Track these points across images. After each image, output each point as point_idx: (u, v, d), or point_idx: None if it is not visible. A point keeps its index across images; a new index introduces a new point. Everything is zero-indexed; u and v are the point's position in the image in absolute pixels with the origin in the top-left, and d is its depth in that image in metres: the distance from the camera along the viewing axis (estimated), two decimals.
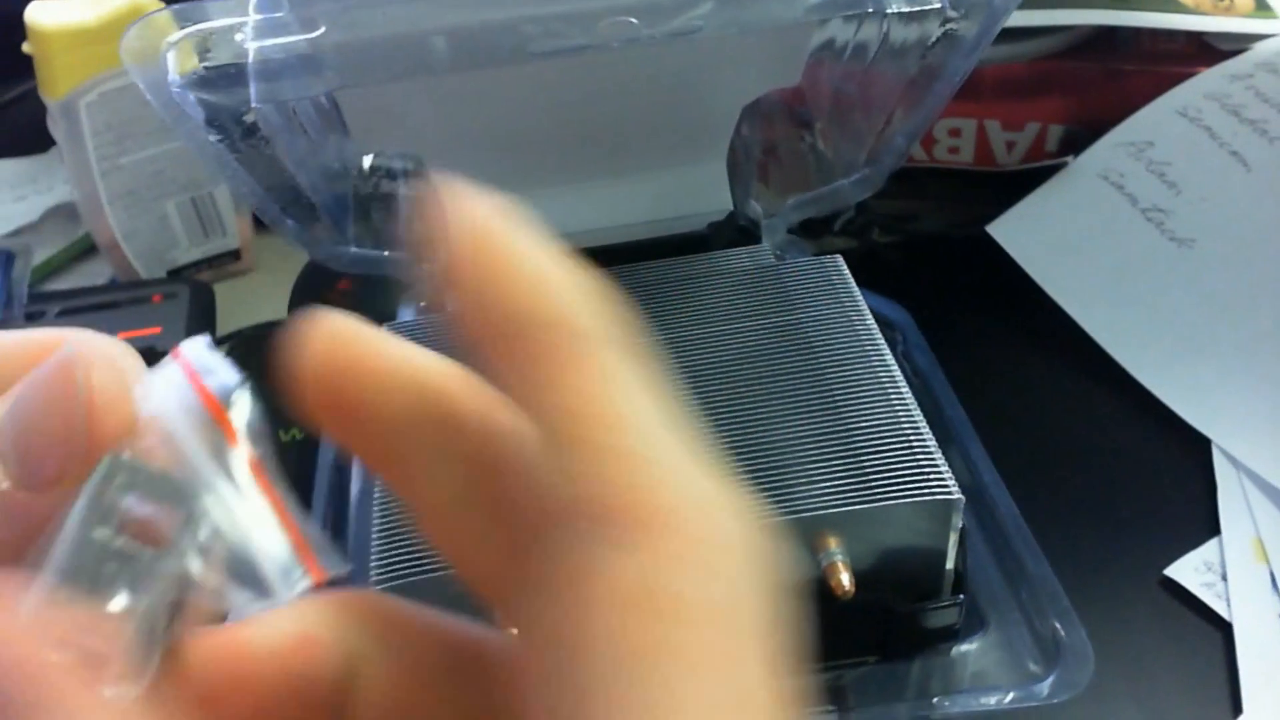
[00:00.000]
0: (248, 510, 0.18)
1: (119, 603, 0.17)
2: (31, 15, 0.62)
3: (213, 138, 0.32)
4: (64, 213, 0.74)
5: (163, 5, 0.63)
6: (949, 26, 0.43)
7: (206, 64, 0.29)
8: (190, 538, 0.17)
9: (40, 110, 0.84)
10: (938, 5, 0.36)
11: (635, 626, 0.14)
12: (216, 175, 0.33)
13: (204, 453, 0.18)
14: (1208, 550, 0.50)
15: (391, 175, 0.46)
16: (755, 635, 0.15)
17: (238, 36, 0.29)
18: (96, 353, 0.18)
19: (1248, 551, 0.50)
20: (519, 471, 0.17)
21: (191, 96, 0.30)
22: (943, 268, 0.66)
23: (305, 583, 0.18)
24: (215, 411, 0.18)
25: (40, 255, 0.72)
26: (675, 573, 0.15)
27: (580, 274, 0.17)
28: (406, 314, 0.47)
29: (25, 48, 0.63)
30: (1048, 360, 0.60)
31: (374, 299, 0.60)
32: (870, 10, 0.36)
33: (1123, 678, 0.45)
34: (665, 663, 0.14)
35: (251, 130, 0.33)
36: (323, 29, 0.29)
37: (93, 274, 0.72)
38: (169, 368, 0.18)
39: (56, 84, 0.63)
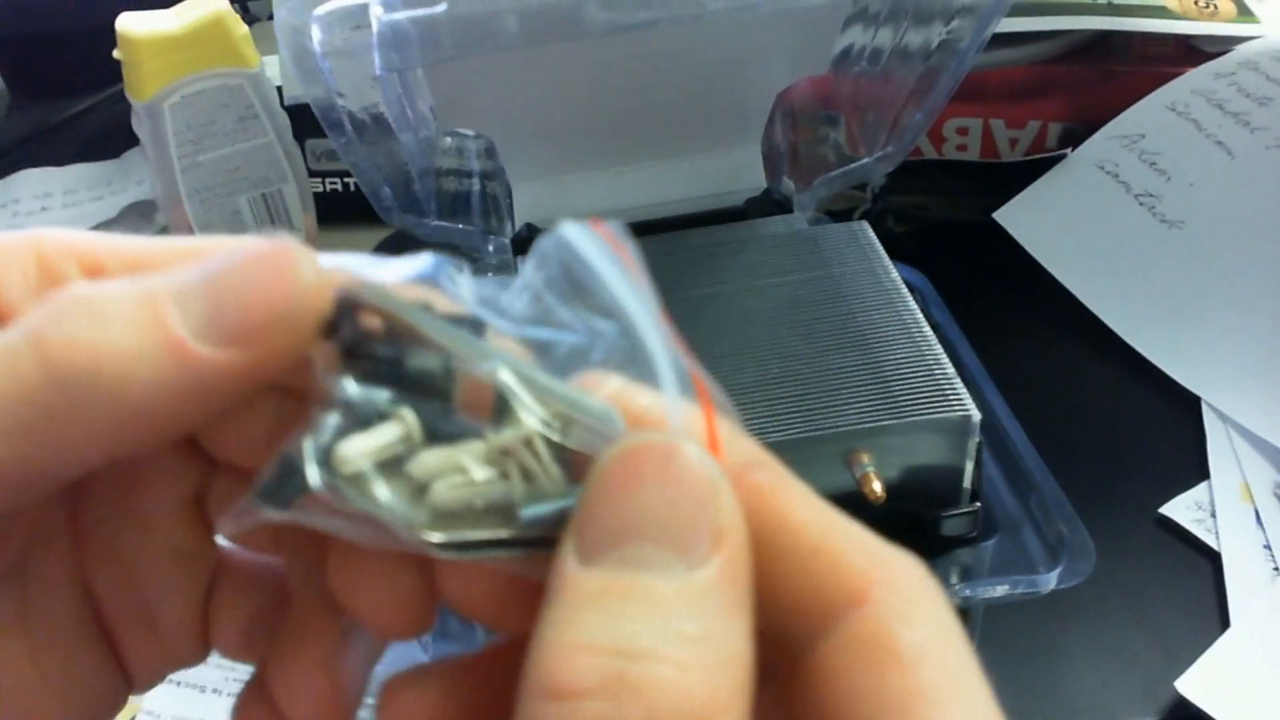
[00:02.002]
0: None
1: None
2: (122, 24, 0.68)
3: (340, 102, 0.38)
4: (139, 210, 0.80)
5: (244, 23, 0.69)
6: (953, 25, 0.49)
7: (342, 37, 0.35)
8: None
9: (111, 119, 0.91)
10: None
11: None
12: (336, 144, 0.39)
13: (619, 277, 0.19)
14: (1198, 492, 0.55)
15: (467, 157, 0.51)
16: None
17: (373, 11, 0.35)
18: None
19: (1235, 493, 0.55)
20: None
21: (327, 64, 0.36)
22: (954, 252, 0.71)
23: (690, 391, 0.19)
24: (613, 242, 0.20)
25: None
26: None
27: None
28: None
29: (115, 54, 0.69)
30: (1051, 332, 0.66)
31: None
32: None
33: (1123, 599, 0.51)
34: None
35: (369, 107, 0.39)
36: (444, 5, 0.34)
37: None
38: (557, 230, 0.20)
39: (144, 87, 0.68)
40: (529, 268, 0.20)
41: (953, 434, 0.41)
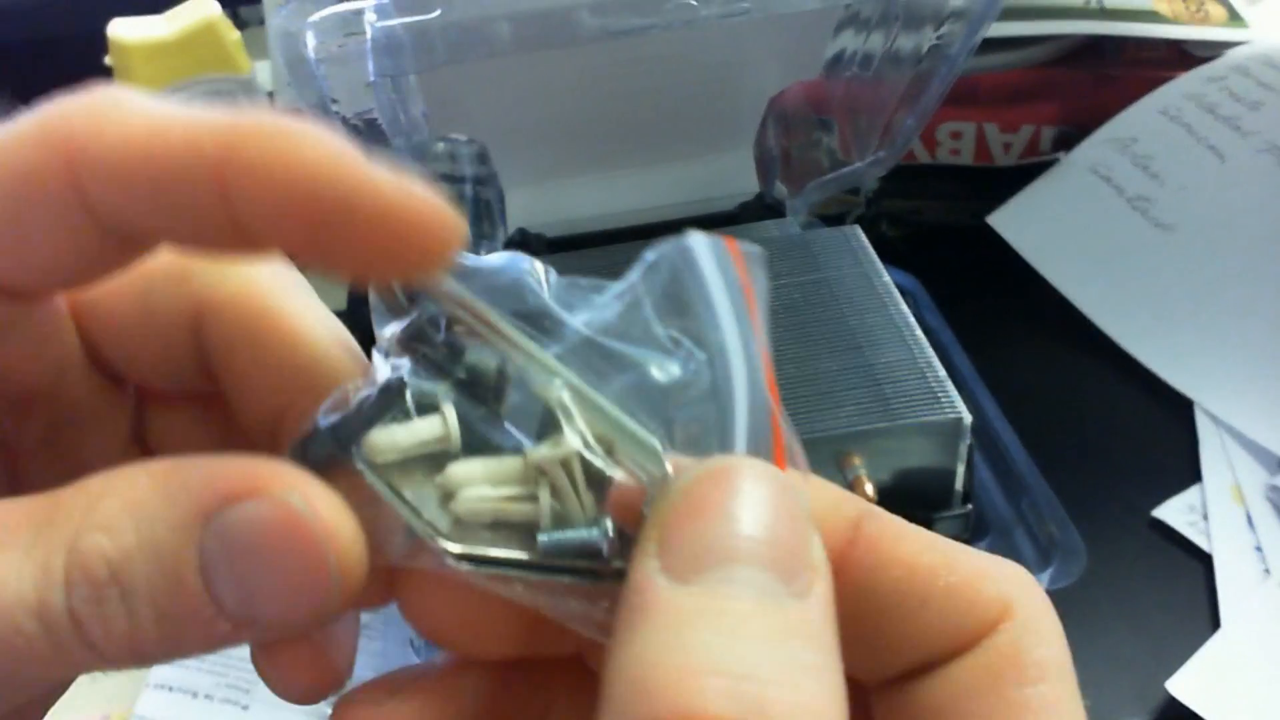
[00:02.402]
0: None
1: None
2: (114, 31, 0.68)
3: (334, 108, 0.38)
4: None
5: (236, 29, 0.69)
6: (944, 29, 0.49)
7: (338, 43, 0.35)
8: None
9: None
10: None
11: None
12: None
13: (725, 295, 0.19)
14: (1191, 495, 0.55)
15: (459, 162, 0.52)
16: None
17: (368, 18, 0.35)
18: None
19: (1226, 495, 0.55)
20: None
21: (322, 70, 0.36)
22: (947, 255, 0.71)
23: (770, 449, 0.18)
24: (740, 263, 0.19)
25: None
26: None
27: None
28: None
29: (107, 60, 0.69)
30: (1044, 335, 0.66)
31: None
32: None
33: (1115, 600, 0.51)
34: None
35: (363, 113, 0.39)
36: (438, 11, 0.35)
37: None
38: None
39: None
40: (635, 273, 0.19)
41: (944, 436, 0.41)
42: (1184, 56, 0.73)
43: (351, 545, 0.18)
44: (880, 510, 0.20)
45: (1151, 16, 0.73)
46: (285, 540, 0.17)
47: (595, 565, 0.18)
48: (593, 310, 0.19)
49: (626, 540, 0.18)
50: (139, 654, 0.18)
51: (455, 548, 0.18)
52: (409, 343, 0.19)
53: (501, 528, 0.18)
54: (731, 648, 0.15)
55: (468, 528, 0.18)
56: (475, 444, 0.19)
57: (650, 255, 0.19)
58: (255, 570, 0.17)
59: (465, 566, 0.18)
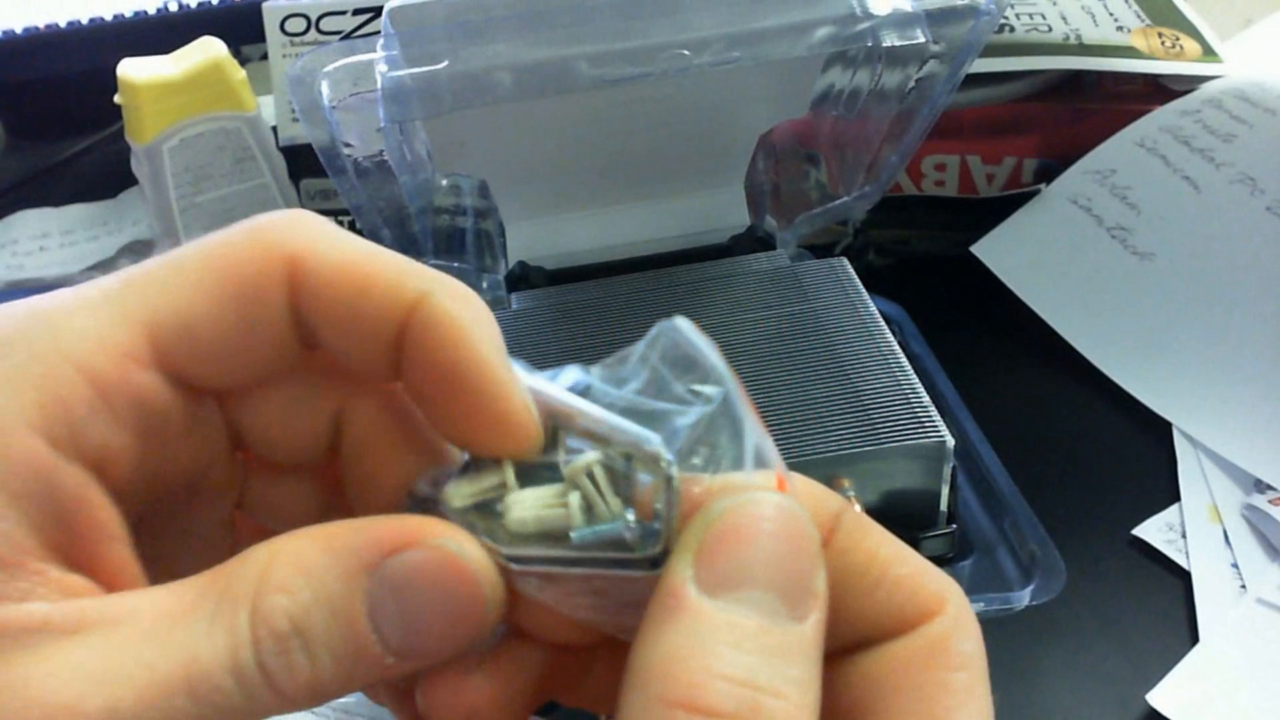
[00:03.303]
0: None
1: None
2: (124, 70, 0.70)
3: (345, 152, 0.40)
4: (136, 250, 0.82)
5: (239, 67, 0.71)
6: (927, 69, 0.51)
7: (350, 93, 0.37)
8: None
9: (107, 160, 0.92)
10: (922, 40, 0.44)
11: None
12: (340, 188, 0.41)
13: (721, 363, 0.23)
14: (1169, 514, 0.57)
15: (462, 196, 0.54)
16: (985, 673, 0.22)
17: (379, 69, 0.37)
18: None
19: (1204, 514, 0.57)
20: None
21: (335, 117, 0.38)
22: (932, 284, 0.73)
23: (772, 477, 0.22)
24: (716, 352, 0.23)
25: None
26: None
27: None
28: None
29: (116, 99, 0.71)
30: (1027, 361, 0.68)
31: None
32: (869, 44, 0.44)
33: (1097, 617, 0.52)
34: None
35: (372, 154, 0.41)
36: (445, 63, 0.37)
37: None
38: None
39: (144, 130, 0.70)
40: (641, 344, 0.23)
41: (928, 459, 0.43)
42: (1160, 90, 0.76)
43: (497, 578, 0.22)
44: (852, 508, 0.23)
45: (1128, 52, 0.76)
46: (447, 579, 0.21)
47: (624, 555, 0.21)
48: (628, 381, 0.23)
49: (650, 532, 0.21)
50: (319, 694, 0.21)
51: (506, 550, 0.22)
52: None
53: (549, 538, 0.22)
54: (738, 657, 0.19)
55: (521, 539, 0.22)
56: (531, 483, 0.23)
57: (651, 332, 0.23)
58: (420, 608, 0.21)
59: (515, 566, 0.22)
